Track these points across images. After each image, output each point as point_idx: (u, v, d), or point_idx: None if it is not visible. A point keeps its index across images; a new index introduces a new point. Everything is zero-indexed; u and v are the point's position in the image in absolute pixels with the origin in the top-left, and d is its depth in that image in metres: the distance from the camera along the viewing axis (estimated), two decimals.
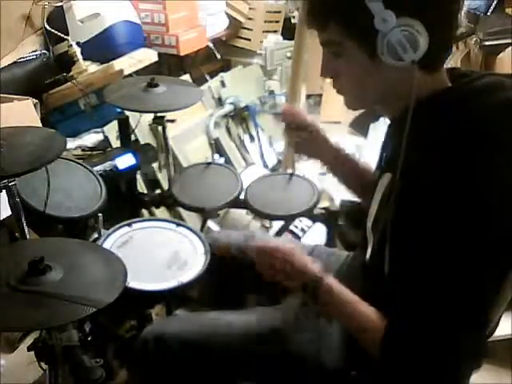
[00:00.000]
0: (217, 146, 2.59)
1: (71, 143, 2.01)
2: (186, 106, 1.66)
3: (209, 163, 1.84)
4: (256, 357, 1.08)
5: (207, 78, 2.89)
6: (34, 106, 1.85)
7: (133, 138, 1.98)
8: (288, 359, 1.06)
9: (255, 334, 1.10)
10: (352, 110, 0.96)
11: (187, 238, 1.40)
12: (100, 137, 2.10)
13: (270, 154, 2.89)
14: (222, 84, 2.79)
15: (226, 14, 2.85)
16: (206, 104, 2.66)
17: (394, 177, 0.86)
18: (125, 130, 1.80)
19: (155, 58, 2.37)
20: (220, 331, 1.12)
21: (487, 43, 2.88)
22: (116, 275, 1.00)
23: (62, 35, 2.18)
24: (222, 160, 2.57)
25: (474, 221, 0.78)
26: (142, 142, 2.11)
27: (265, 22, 3.07)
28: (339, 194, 2.29)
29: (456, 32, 0.85)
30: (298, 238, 2.06)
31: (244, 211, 2.03)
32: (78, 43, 2.16)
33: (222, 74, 2.83)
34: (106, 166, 1.65)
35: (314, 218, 1.94)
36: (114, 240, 1.36)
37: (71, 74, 2.14)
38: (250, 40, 3.04)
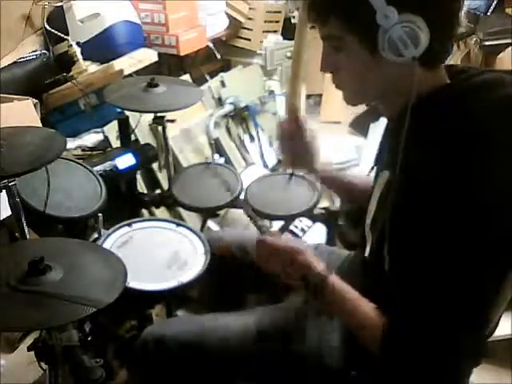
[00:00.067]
0: (217, 146, 2.59)
1: (71, 143, 2.01)
2: (186, 106, 1.66)
3: (209, 163, 1.84)
4: (256, 357, 1.08)
5: (207, 77, 2.89)
6: (34, 106, 1.85)
7: (133, 137, 1.98)
8: (288, 359, 1.06)
9: (255, 335, 1.10)
10: (350, 106, 0.95)
11: (187, 238, 1.40)
12: (100, 137, 2.10)
13: (270, 154, 2.89)
14: (222, 84, 2.78)
15: (226, 14, 2.85)
16: (206, 104, 2.66)
17: (393, 174, 0.86)
18: (125, 130, 1.80)
19: (155, 58, 2.37)
20: (219, 332, 1.12)
21: (487, 43, 2.88)
22: (116, 275, 1.00)
23: (62, 35, 2.18)
24: (222, 160, 2.57)
25: (472, 219, 0.78)
26: (142, 142, 2.11)
27: (265, 22, 3.07)
28: None
29: (457, 29, 0.85)
30: (298, 237, 2.06)
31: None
32: (78, 43, 2.16)
33: (221, 74, 2.83)
34: (106, 165, 1.65)
35: (314, 218, 1.93)
36: (114, 240, 1.36)
37: (71, 74, 2.14)
38: (249, 40, 3.04)
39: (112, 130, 2.05)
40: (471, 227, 0.78)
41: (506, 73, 0.88)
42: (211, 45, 2.77)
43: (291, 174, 1.75)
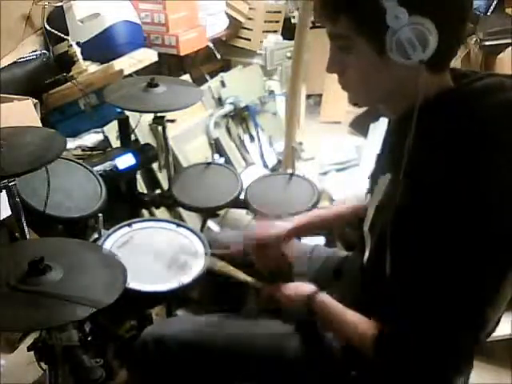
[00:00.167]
0: (217, 146, 2.59)
1: (71, 143, 2.01)
2: (186, 106, 1.66)
3: (209, 163, 1.84)
4: (255, 357, 1.08)
5: (207, 77, 2.89)
6: (34, 106, 1.85)
7: (133, 137, 1.98)
8: (288, 359, 1.06)
9: (255, 335, 1.10)
10: (355, 107, 0.95)
11: (187, 239, 1.40)
12: (100, 137, 2.10)
13: (270, 154, 2.89)
14: (222, 84, 2.79)
15: (226, 14, 2.85)
16: (206, 104, 2.66)
17: (396, 176, 0.86)
18: (125, 130, 1.80)
19: (155, 58, 2.37)
20: (219, 332, 1.12)
21: (487, 43, 2.88)
22: (116, 276, 1.00)
23: (62, 35, 2.18)
24: (222, 160, 2.57)
25: (474, 220, 0.79)
26: (142, 142, 2.11)
27: (265, 22, 3.07)
28: (339, 193, 2.30)
29: (465, 35, 0.85)
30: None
31: (244, 211, 2.03)
32: (78, 43, 2.16)
33: (221, 74, 2.84)
34: (106, 165, 1.65)
35: None
36: (114, 240, 1.36)
37: (71, 74, 2.14)
38: (250, 40, 3.04)
39: (112, 130, 2.05)
40: (476, 227, 0.79)
41: (506, 77, 0.89)
42: (211, 45, 2.77)
43: (291, 174, 1.76)
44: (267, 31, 3.10)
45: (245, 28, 3.03)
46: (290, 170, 1.55)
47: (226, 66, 3.09)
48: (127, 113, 1.78)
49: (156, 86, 1.61)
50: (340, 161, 2.76)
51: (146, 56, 2.32)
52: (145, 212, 2.03)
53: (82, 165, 1.57)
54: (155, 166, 2.14)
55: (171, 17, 2.44)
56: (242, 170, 2.62)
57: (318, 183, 1.75)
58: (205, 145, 2.56)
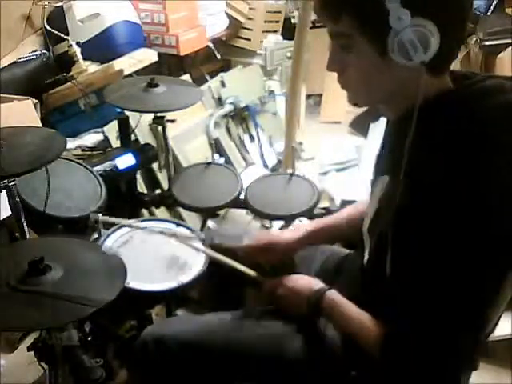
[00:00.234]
0: (217, 146, 2.59)
1: (71, 143, 2.01)
2: (186, 106, 1.66)
3: (209, 163, 1.84)
4: (256, 357, 1.08)
5: (207, 77, 2.89)
6: (34, 106, 1.85)
7: (133, 137, 1.98)
8: (288, 359, 1.06)
9: (255, 335, 1.10)
10: (355, 107, 0.95)
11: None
12: (100, 137, 2.10)
13: (270, 154, 2.89)
14: (222, 84, 2.79)
15: (226, 14, 2.85)
16: (206, 104, 2.66)
17: (395, 177, 0.86)
18: (125, 130, 1.80)
19: (155, 58, 2.38)
20: (219, 332, 1.12)
21: (487, 43, 2.88)
22: (116, 275, 1.00)
23: (62, 35, 2.18)
24: (222, 160, 2.57)
25: (474, 221, 0.79)
26: (142, 142, 2.11)
27: (265, 22, 3.07)
28: (339, 193, 2.30)
29: (466, 37, 0.85)
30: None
31: (244, 211, 2.03)
32: (78, 43, 2.17)
33: (222, 74, 2.84)
34: (106, 165, 1.65)
35: (314, 218, 1.94)
36: (114, 240, 1.36)
37: (71, 74, 2.14)
38: (250, 40, 3.05)
39: (112, 130, 2.06)
40: (476, 228, 0.79)
41: (506, 79, 0.89)
42: (211, 45, 2.77)
43: (291, 174, 1.76)
44: (267, 31, 3.10)
45: (245, 28, 3.03)
46: (290, 170, 1.55)
47: (226, 66, 3.09)
48: (127, 113, 1.78)
49: (156, 86, 1.61)
50: (340, 161, 2.76)
51: (146, 56, 2.32)
52: (145, 212, 2.03)
53: (82, 165, 1.57)
54: (155, 166, 2.14)
55: (171, 17, 2.44)
56: (241, 170, 2.62)
57: (318, 183, 1.75)
58: (205, 145, 2.56)
